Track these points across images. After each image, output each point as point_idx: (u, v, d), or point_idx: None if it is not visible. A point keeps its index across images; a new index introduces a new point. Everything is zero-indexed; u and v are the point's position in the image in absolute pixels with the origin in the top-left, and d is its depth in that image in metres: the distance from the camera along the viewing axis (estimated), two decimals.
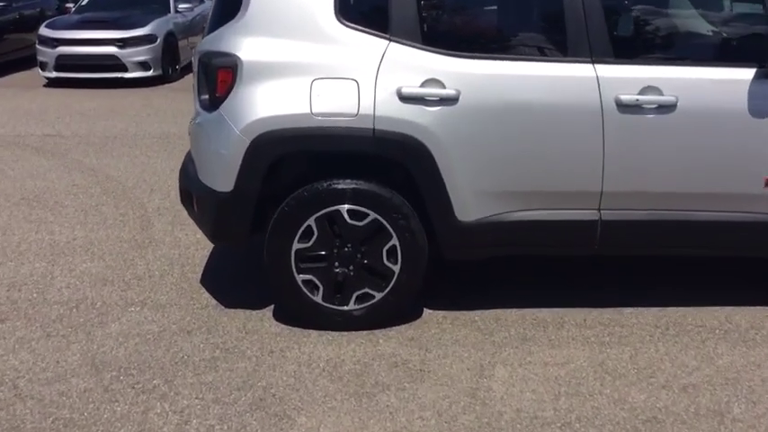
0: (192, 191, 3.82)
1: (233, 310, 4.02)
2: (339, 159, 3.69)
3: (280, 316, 3.90)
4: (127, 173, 6.72)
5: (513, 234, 3.72)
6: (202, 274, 4.47)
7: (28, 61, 12.58)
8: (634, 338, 3.72)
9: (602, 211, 3.71)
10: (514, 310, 4.03)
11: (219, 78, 3.60)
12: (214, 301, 4.12)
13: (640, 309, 4.02)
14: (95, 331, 3.78)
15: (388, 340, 3.70)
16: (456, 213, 3.65)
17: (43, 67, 11.47)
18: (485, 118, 3.56)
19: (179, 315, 3.96)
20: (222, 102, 3.60)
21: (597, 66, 3.62)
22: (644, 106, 3.59)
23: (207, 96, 3.69)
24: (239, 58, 3.56)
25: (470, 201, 3.64)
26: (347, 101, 3.52)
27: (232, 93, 3.58)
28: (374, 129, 3.52)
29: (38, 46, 11.54)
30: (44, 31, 11.66)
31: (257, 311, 3.99)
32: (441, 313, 4.00)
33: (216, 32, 3.75)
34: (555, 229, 3.72)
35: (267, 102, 3.53)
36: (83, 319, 3.92)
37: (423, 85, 3.54)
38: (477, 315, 3.98)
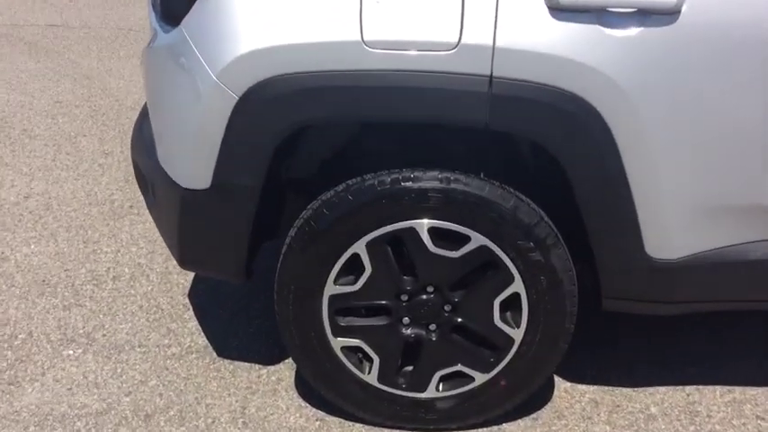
0: (148, 175, 2.12)
1: (230, 363, 2.40)
2: (416, 135, 1.91)
3: (306, 388, 2.28)
4: (129, 84, 5.01)
5: (759, 282, 1.92)
6: (195, 279, 2.85)
7: None
8: None
9: None
10: (720, 389, 2.29)
11: None
12: (203, 340, 2.50)
13: None
14: None
15: None
16: (646, 245, 1.85)
17: None
18: (734, 54, 1.68)
19: (139, 374, 2.36)
20: (185, 12, 1.82)
21: None
22: None
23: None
24: None
25: (680, 223, 1.82)
26: (437, 16, 1.69)
27: None
28: (492, 77, 1.69)
29: None
30: None
31: (271, 369, 2.37)
32: (587, 392, 2.29)
33: None
34: None
35: (271, 15, 1.74)
36: None
37: None
38: (653, 402, 2.25)
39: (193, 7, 1.80)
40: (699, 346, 2.47)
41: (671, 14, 1.63)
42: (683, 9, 1.63)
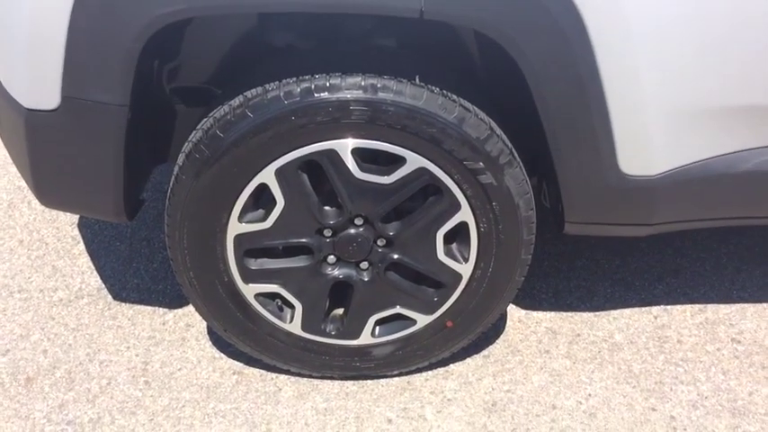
0: None
1: (129, 308, 2.02)
2: (331, 30, 1.51)
3: (219, 336, 1.93)
4: None
5: (751, 196, 1.61)
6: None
7: None
8: None
9: None
10: (690, 309, 2.04)
11: None
12: (96, 281, 2.10)
13: None
14: None
15: (446, 411, 1.77)
16: (620, 161, 1.51)
17: None
18: None
19: (19, 326, 1.95)
20: None
21: None
22: None
23: None
24: None
25: (663, 132, 1.47)
26: None
27: None
28: None
29: None
30: None
31: (178, 313, 2.01)
32: (543, 321, 2.01)
33: None
34: None
35: None
36: None
37: None
38: (617, 328, 1.99)
39: None
40: (663, 260, 2.20)
41: None
42: None
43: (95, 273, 2.13)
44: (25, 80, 1.40)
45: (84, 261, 2.17)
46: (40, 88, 1.39)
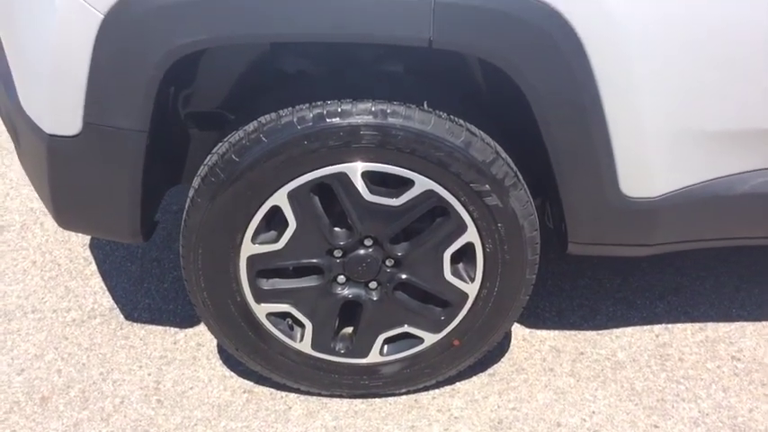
0: (9, 119, 1.69)
1: (141, 327, 2.06)
2: (341, 57, 1.57)
3: (231, 354, 1.96)
4: None
5: (749, 217, 1.66)
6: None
7: None
8: None
9: None
10: (691, 327, 2.08)
11: None
12: (108, 301, 2.14)
13: None
14: None
15: (453, 429, 1.81)
16: (621, 184, 1.56)
17: None
18: None
19: (33, 346, 1.99)
20: None
21: None
22: None
23: None
24: None
25: (663, 156, 1.52)
26: None
27: None
28: None
29: None
30: None
31: (189, 333, 2.05)
32: (547, 339, 2.05)
33: None
34: None
35: None
36: None
37: None
38: (620, 347, 2.03)
39: None
40: (664, 279, 2.24)
41: None
42: None
43: (107, 293, 2.18)
44: (48, 106, 1.45)
45: (97, 281, 2.22)
46: (63, 114, 1.44)
